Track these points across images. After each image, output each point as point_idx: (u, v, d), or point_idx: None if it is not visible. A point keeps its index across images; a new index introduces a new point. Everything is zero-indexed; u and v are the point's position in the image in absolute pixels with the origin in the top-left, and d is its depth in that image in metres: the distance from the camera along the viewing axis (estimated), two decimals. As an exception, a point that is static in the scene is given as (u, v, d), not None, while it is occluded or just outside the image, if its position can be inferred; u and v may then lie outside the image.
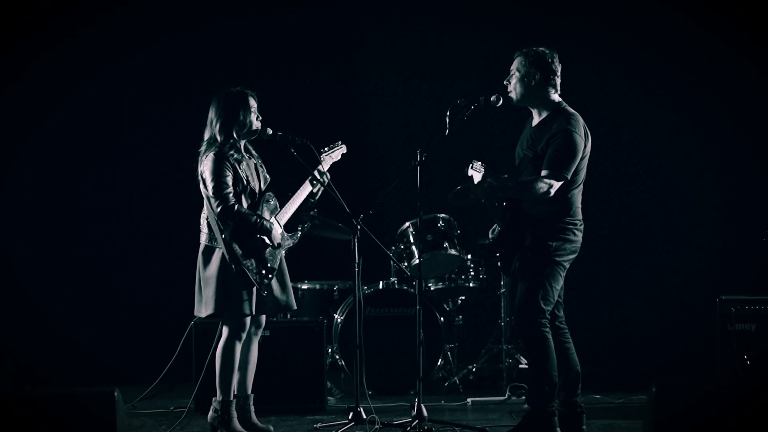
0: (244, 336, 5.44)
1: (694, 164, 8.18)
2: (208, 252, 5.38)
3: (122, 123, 8.16)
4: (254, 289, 5.34)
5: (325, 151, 5.77)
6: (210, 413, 5.45)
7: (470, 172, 5.39)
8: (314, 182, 5.62)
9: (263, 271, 5.38)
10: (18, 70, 7.89)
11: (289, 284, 5.60)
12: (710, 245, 8.05)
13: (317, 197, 5.68)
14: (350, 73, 8.49)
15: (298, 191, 5.61)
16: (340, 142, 5.81)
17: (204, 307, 5.37)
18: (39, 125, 8.06)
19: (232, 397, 5.42)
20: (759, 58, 7.91)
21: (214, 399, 5.43)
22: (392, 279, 7.29)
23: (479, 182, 5.34)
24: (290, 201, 5.59)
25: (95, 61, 8.13)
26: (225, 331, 5.43)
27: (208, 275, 5.35)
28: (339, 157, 5.80)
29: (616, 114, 8.19)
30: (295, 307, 5.64)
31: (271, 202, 5.53)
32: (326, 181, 5.64)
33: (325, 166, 5.70)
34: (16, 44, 7.86)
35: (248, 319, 5.41)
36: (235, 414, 5.42)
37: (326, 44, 8.43)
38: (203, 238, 5.43)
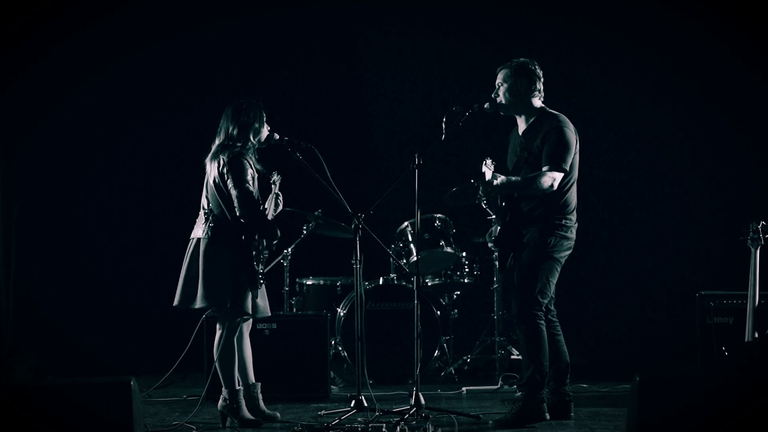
0: (237, 331, 5.47)
1: (678, 169, 8.17)
2: (213, 248, 5.35)
3: (121, 122, 8.08)
4: (252, 290, 5.37)
5: (272, 179, 5.71)
6: (220, 402, 5.48)
7: (483, 168, 5.34)
8: (277, 202, 5.63)
9: (260, 276, 5.40)
10: (15, 71, 7.69)
11: (265, 291, 5.60)
12: (691, 244, 8.05)
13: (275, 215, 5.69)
14: (350, 75, 8.41)
15: (268, 210, 5.61)
16: (276, 172, 5.67)
17: (199, 300, 5.35)
18: (39, 126, 7.94)
19: (237, 387, 5.44)
20: (744, 56, 7.83)
21: (223, 389, 5.45)
22: (392, 275, 7.30)
23: (490, 180, 5.33)
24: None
25: (92, 62, 7.99)
26: (221, 328, 5.44)
27: (213, 271, 5.32)
28: (278, 185, 5.72)
29: (607, 115, 8.17)
30: (270, 313, 5.64)
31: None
32: (280, 207, 5.64)
33: (276, 190, 5.68)
34: (15, 45, 7.63)
35: (240, 318, 5.45)
36: (243, 402, 5.45)
37: (326, 45, 8.34)
38: (202, 231, 5.39)
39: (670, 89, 8.14)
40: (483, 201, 5.57)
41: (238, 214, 5.31)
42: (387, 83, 8.41)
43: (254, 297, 5.41)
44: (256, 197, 5.34)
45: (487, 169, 5.33)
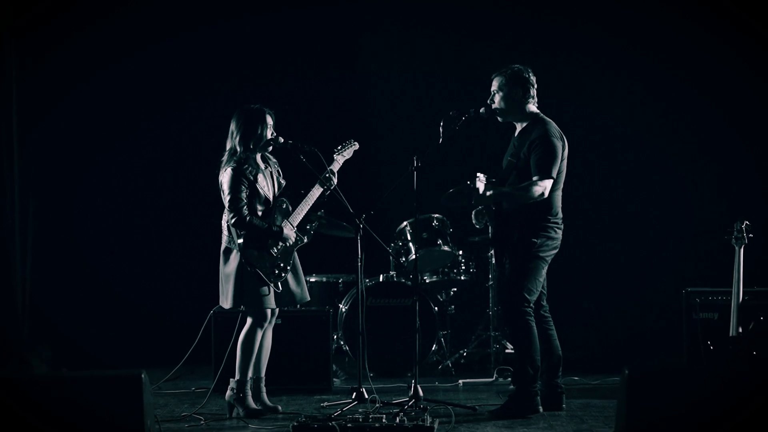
0: (265, 325, 5.51)
1: (666, 172, 8.14)
2: (228, 252, 5.48)
3: (133, 119, 8.00)
4: (271, 285, 5.39)
5: (338, 150, 5.75)
6: (227, 392, 5.50)
7: (477, 183, 5.41)
8: (324, 185, 5.62)
9: (276, 271, 5.42)
10: (16, 71, 7.52)
11: (303, 278, 5.66)
12: (678, 243, 8.05)
13: (326, 196, 5.69)
14: (351, 76, 8.30)
15: (309, 194, 5.63)
16: (353, 140, 5.77)
17: (225, 300, 5.49)
18: (46, 124, 7.83)
19: (247, 378, 5.45)
20: (743, 56, 7.71)
21: (231, 379, 5.48)
22: (391, 273, 7.29)
23: (484, 192, 5.37)
24: (302, 203, 5.62)
25: (95, 61, 7.90)
26: (249, 320, 5.50)
27: (227, 273, 5.45)
28: (351, 155, 5.76)
29: (599, 116, 8.10)
30: (309, 299, 5.69)
31: (284, 207, 5.56)
32: (334, 182, 5.63)
33: (336, 165, 5.69)
34: (15, 45, 7.49)
35: (269, 311, 5.49)
36: (249, 392, 5.47)
37: (327, 46, 8.23)
38: (224, 239, 5.52)
39: (662, 89, 8.06)
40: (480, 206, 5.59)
41: (229, 221, 5.38)
42: (388, 84, 8.32)
43: (277, 290, 5.43)
44: (242, 207, 5.35)
45: (480, 183, 5.38)
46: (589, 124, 8.06)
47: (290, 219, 5.56)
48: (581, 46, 8.07)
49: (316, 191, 5.64)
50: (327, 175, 5.61)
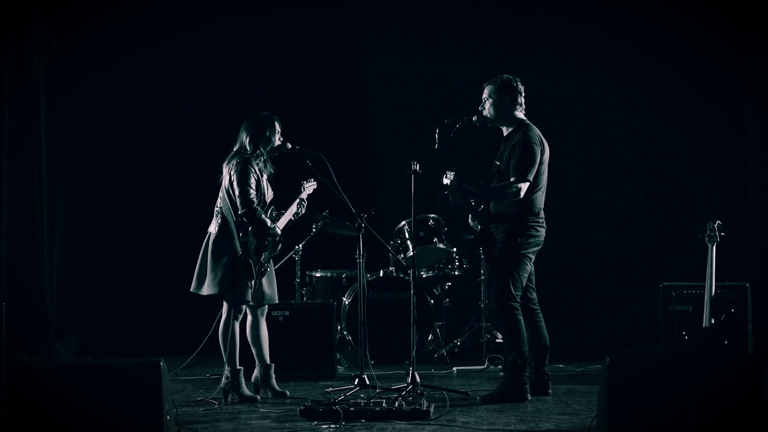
0: (240, 317, 5.46)
1: (645, 172, 8.13)
2: (220, 242, 5.38)
3: (166, 110, 7.83)
4: (253, 281, 5.37)
5: (303, 185, 5.79)
6: (222, 380, 5.48)
7: (445, 180, 5.43)
8: (299, 205, 5.68)
9: (260, 268, 5.41)
10: (17, 69, 7.25)
11: (275, 282, 5.62)
12: (656, 240, 8.05)
13: (298, 217, 5.74)
14: (351, 78, 8.15)
15: (289, 209, 5.64)
16: (312, 179, 5.77)
17: (207, 287, 5.39)
18: (62, 111, 7.59)
19: (238, 367, 5.44)
20: (740, 54, 7.52)
21: (226, 368, 5.45)
22: (391, 268, 7.29)
23: (454, 187, 5.38)
24: (284, 215, 5.63)
25: (92, 60, 7.69)
26: (225, 313, 5.46)
27: (218, 262, 5.35)
28: (311, 191, 5.80)
29: (586, 115, 8.05)
30: (277, 301, 5.65)
31: (273, 215, 5.55)
32: (304, 207, 5.72)
33: (304, 195, 5.75)
34: (17, 44, 7.22)
35: (244, 306, 5.46)
36: (243, 380, 5.45)
37: (327, 47, 8.04)
38: (214, 227, 5.43)
39: (650, 89, 7.98)
40: (472, 203, 5.59)
41: (239, 212, 5.34)
42: (387, 85, 8.20)
43: (255, 286, 5.41)
44: (253, 198, 5.35)
45: (446, 179, 5.40)
46: (573, 123, 8.01)
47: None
48: (576, 44, 7.95)
49: (294, 207, 5.66)
50: (301, 199, 5.69)
